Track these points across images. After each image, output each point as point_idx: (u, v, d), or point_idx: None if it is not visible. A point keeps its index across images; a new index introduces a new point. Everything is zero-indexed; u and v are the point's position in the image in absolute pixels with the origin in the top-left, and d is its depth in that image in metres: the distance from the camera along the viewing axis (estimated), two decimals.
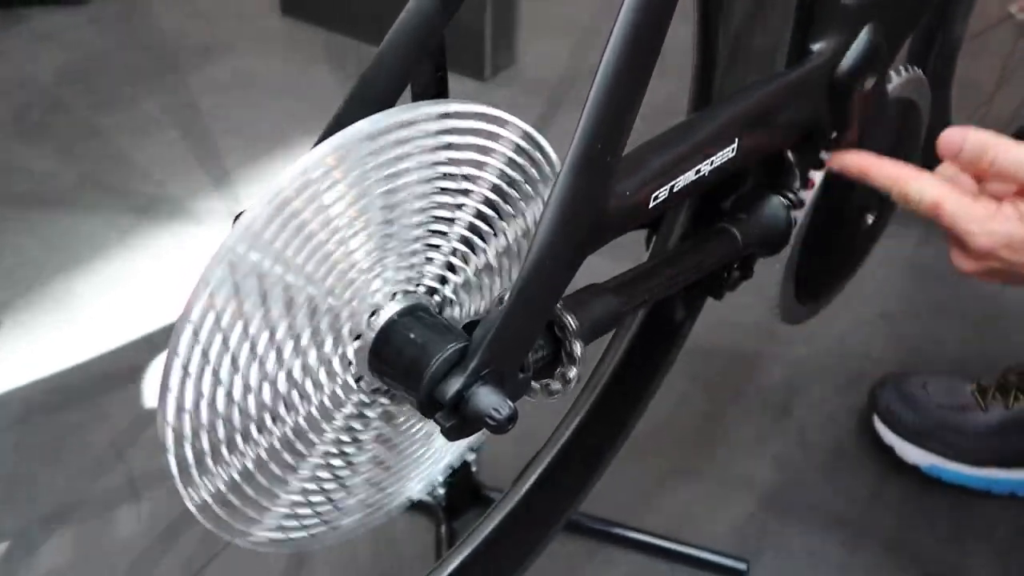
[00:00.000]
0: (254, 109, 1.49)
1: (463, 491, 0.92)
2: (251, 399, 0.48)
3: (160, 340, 1.04)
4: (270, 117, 1.47)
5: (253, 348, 0.47)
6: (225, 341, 0.46)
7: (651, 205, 0.57)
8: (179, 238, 1.27)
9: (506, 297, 0.51)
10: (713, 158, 0.60)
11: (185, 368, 0.45)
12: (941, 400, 0.99)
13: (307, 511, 0.54)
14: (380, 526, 0.61)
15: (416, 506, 0.72)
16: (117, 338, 1.11)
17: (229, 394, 0.47)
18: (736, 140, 0.61)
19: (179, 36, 1.67)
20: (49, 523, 0.93)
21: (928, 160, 1.24)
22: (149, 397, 1.04)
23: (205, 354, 0.45)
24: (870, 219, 0.82)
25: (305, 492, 0.54)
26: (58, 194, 1.33)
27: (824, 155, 0.69)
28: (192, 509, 0.49)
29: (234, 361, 0.47)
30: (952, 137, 0.65)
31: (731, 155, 0.61)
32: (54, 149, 1.41)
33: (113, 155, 1.40)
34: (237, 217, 0.47)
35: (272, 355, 0.48)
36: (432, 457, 0.62)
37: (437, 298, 0.54)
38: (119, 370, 1.08)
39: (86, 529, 0.93)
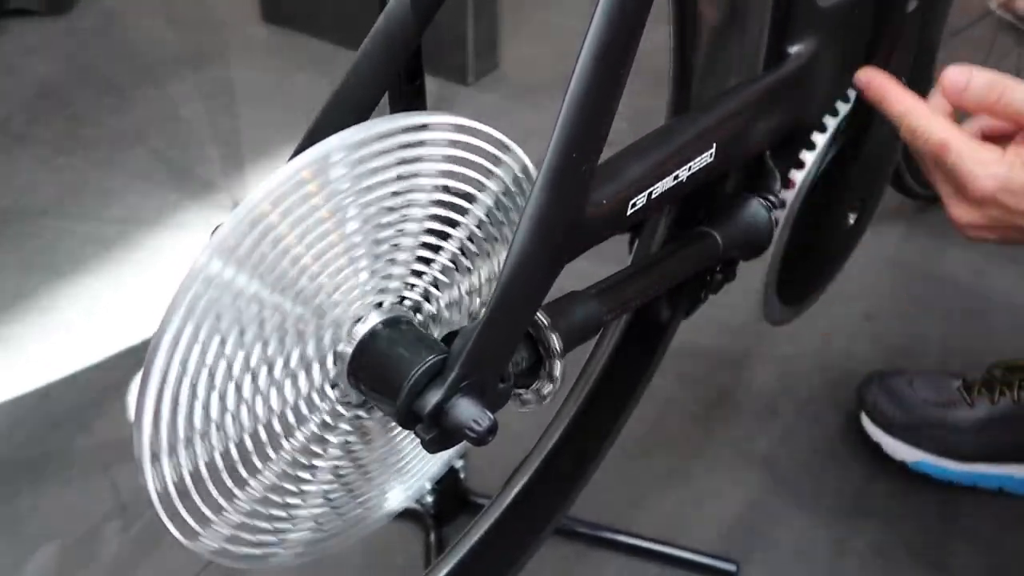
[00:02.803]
0: (236, 118, 1.49)
1: (451, 498, 0.92)
2: (228, 419, 0.48)
3: (144, 353, 1.03)
4: (252, 126, 1.46)
5: (230, 365, 0.47)
6: (201, 358, 0.46)
7: (629, 212, 0.57)
8: (162, 250, 1.26)
9: (484, 307, 0.50)
10: (691, 164, 0.60)
11: (161, 386, 0.45)
12: (928, 396, 0.99)
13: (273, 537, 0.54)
14: (367, 534, 0.61)
15: (404, 513, 0.72)
16: (101, 352, 1.10)
17: (206, 412, 0.47)
18: (714, 145, 0.61)
19: (160, 45, 1.66)
20: (35, 539, 0.92)
21: None
22: (134, 411, 1.03)
23: (181, 372, 0.45)
24: (852, 218, 0.82)
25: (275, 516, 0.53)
26: (39, 207, 1.32)
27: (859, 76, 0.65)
28: (176, 535, 0.49)
29: (211, 379, 0.46)
30: (956, 76, 0.64)
31: (709, 160, 0.61)
32: (34, 161, 1.40)
33: (94, 166, 1.39)
34: (214, 231, 0.47)
35: (249, 372, 0.48)
36: (418, 466, 0.62)
37: (409, 302, 0.53)
38: (104, 384, 1.07)
39: (72, 545, 0.92)
